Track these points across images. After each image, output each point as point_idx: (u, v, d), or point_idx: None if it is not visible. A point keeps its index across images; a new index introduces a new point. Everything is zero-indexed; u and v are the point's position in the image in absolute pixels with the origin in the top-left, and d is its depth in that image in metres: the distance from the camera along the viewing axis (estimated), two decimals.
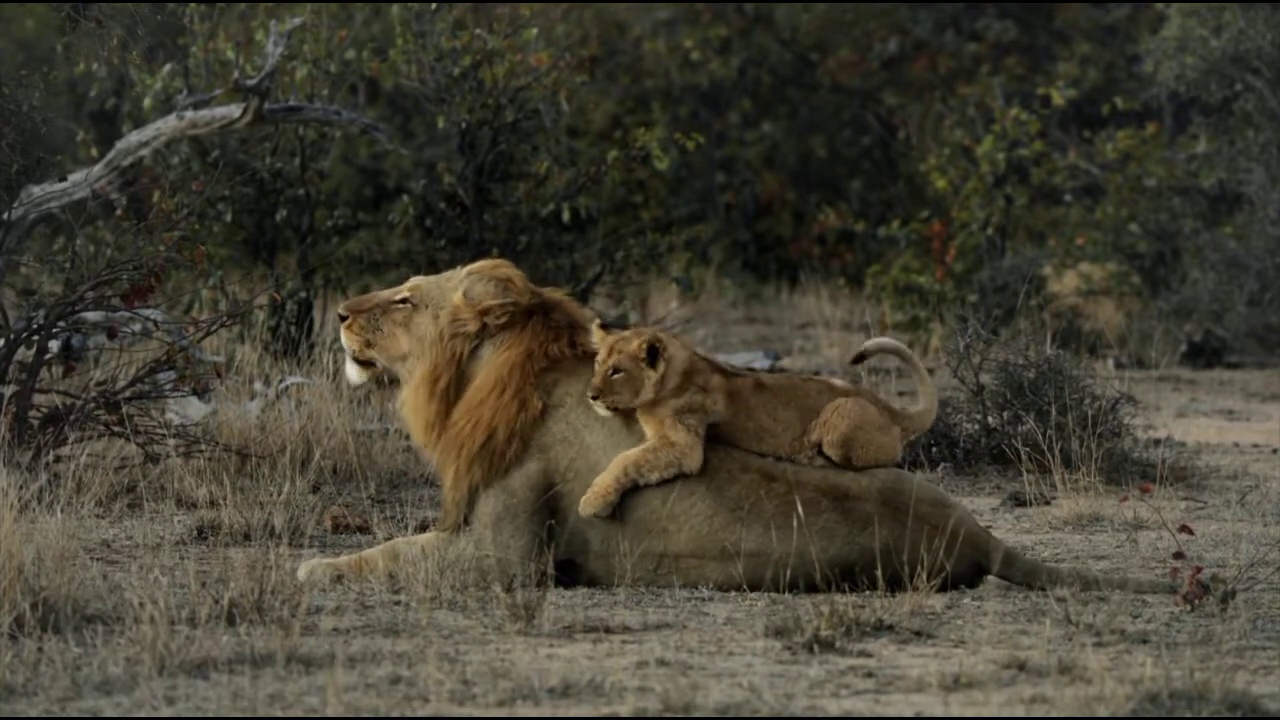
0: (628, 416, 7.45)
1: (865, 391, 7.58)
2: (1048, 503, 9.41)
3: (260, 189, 13.41)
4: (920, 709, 5.72)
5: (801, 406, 7.47)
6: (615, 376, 7.36)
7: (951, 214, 16.51)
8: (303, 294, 13.21)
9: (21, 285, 12.09)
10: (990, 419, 10.44)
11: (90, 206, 10.86)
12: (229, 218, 13.40)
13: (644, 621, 6.84)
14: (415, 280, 7.74)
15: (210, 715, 5.64)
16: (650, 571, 7.39)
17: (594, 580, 7.42)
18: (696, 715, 5.61)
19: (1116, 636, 6.60)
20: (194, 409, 10.12)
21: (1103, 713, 5.63)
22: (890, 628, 6.64)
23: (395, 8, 13.51)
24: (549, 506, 7.41)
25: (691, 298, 15.93)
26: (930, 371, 10.43)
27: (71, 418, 9.09)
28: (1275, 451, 11.62)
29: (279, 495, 8.94)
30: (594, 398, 7.36)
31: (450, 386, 7.56)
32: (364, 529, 8.66)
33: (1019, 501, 9.53)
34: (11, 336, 9.23)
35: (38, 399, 9.33)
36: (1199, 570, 7.07)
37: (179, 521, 8.72)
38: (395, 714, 5.63)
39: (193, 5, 13.10)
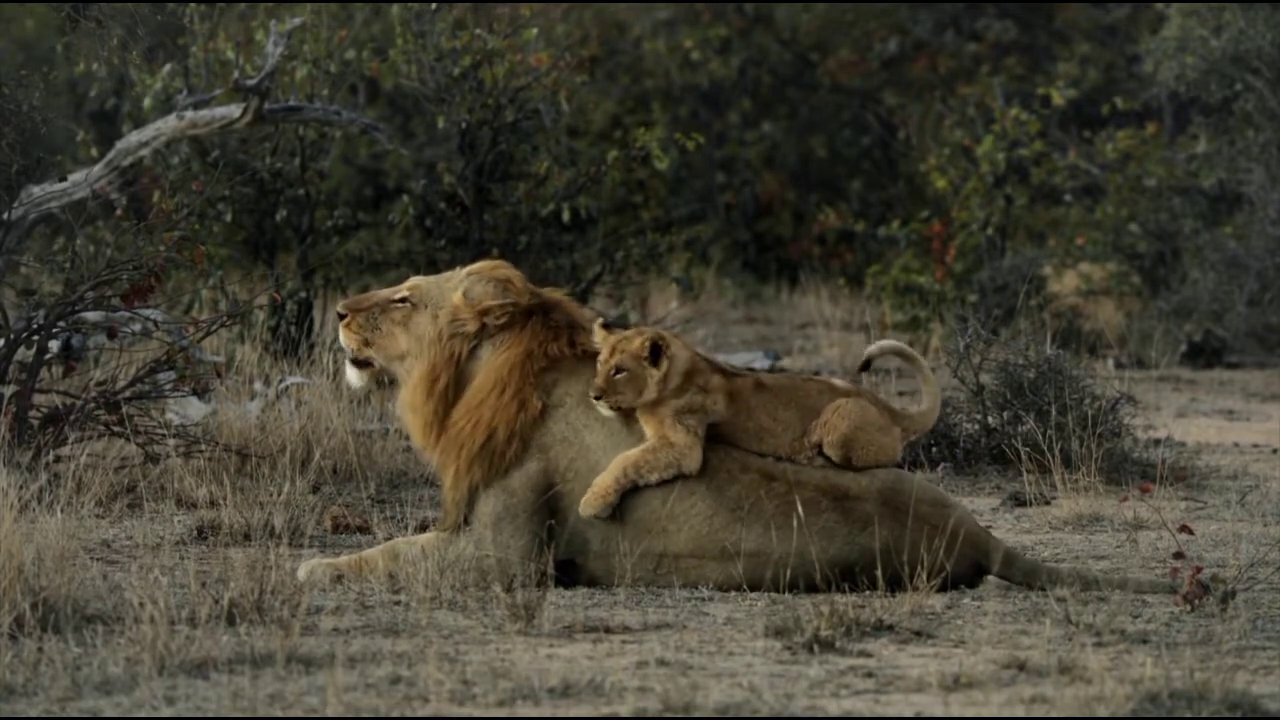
0: (628, 416, 7.45)
1: (866, 392, 7.59)
2: (1048, 503, 9.41)
3: (260, 189, 13.41)
4: (920, 709, 5.72)
5: (802, 407, 7.47)
6: (618, 376, 7.36)
7: (951, 214, 16.51)
8: (303, 294, 13.21)
9: (21, 285, 12.10)
10: (990, 419, 10.44)
11: (90, 206, 10.86)
12: (229, 218, 13.40)
13: (644, 621, 6.84)
14: (415, 280, 7.74)
15: (210, 715, 5.64)
16: (650, 571, 7.39)
17: (594, 580, 7.42)
18: (696, 715, 5.61)
19: (1116, 636, 6.60)
20: (194, 409, 10.12)
21: (1103, 713, 5.63)
22: (890, 628, 6.64)
23: (395, 8, 13.51)
24: (549, 506, 7.41)
25: (691, 298, 15.93)
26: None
27: (71, 418, 9.09)
28: (1275, 451, 11.62)
29: (279, 495, 8.94)
30: (597, 398, 7.36)
31: (449, 386, 7.56)
32: (364, 529, 8.66)
33: (1019, 501, 9.53)
34: (11, 336, 9.23)
35: (38, 399, 9.33)
36: (1199, 570, 7.07)
37: (179, 521, 8.72)
38: (395, 714, 5.63)
39: (193, 5, 13.10)
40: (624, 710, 5.65)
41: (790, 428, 7.46)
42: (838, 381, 7.63)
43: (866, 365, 7.77)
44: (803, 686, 5.96)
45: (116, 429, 9.25)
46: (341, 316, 7.72)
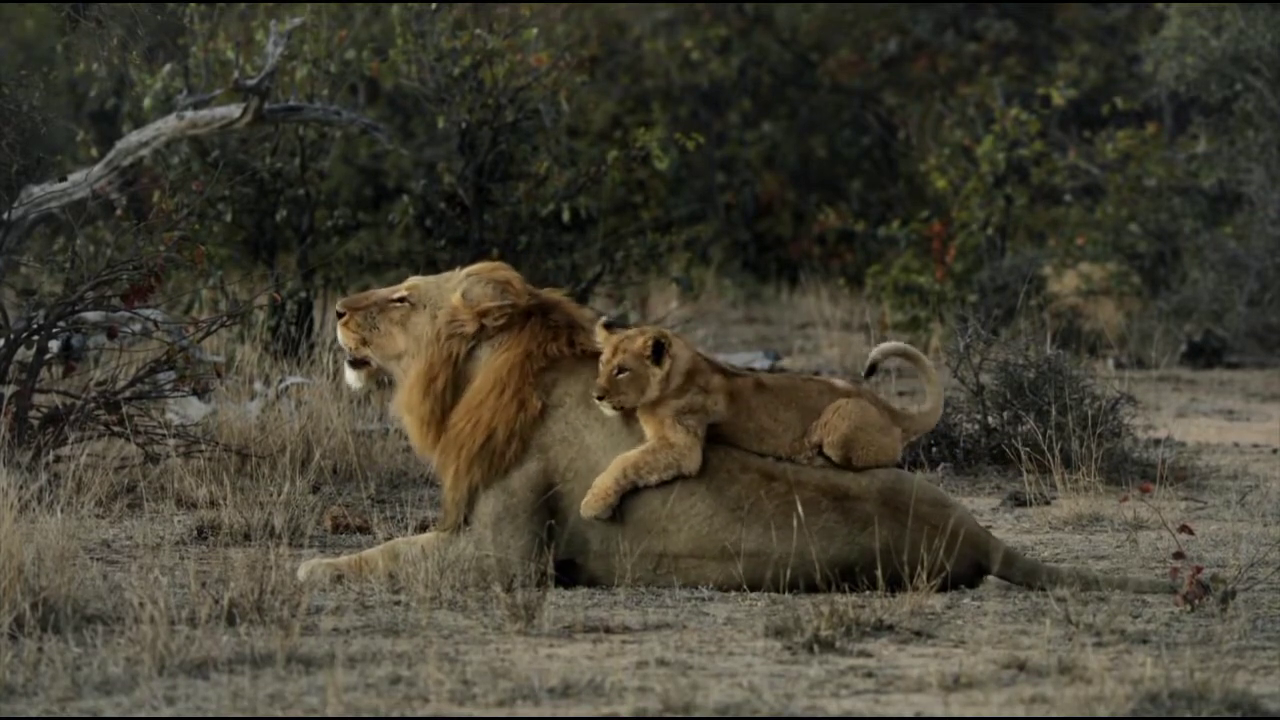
0: (628, 416, 7.44)
1: (866, 392, 7.59)
2: (1048, 503, 9.41)
3: (260, 189, 13.41)
4: (920, 709, 5.72)
5: (802, 407, 7.47)
6: (620, 376, 7.36)
7: (951, 214, 16.51)
8: (303, 294, 13.21)
9: (21, 285, 12.09)
10: (990, 419, 10.44)
11: (90, 206, 10.86)
12: (229, 218, 13.40)
13: (644, 621, 6.84)
14: (414, 280, 7.74)
15: (210, 715, 5.64)
16: (650, 571, 7.39)
17: (594, 580, 7.42)
18: (696, 715, 5.61)
19: (1116, 636, 6.60)
20: (194, 409, 10.12)
21: (1103, 713, 5.63)
22: (890, 628, 6.64)
23: (395, 8, 13.51)
24: (549, 506, 7.41)
25: (691, 298, 15.93)
26: None
27: (71, 418, 9.09)
28: (1275, 451, 11.62)
29: (279, 495, 8.94)
30: (600, 398, 7.35)
31: (446, 387, 7.56)
32: (364, 529, 8.66)
33: (1019, 501, 9.53)
34: (11, 336, 9.23)
35: (38, 399, 9.33)
36: (1199, 570, 7.07)
37: (179, 521, 8.72)
38: (395, 714, 5.63)
39: (193, 5, 13.10)
40: (624, 710, 5.65)
41: (791, 428, 7.46)
42: (838, 382, 7.63)
43: (872, 370, 7.76)
44: (803, 686, 5.96)
45: (116, 429, 9.25)
46: (340, 315, 7.72)
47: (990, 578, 7.44)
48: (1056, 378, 10.20)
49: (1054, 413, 9.93)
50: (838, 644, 6.42)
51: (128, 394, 9.31)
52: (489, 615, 6.88)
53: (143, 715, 5.64)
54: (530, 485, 7.42)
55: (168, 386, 9.42)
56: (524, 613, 6.69)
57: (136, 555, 7.90)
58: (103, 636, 6.42)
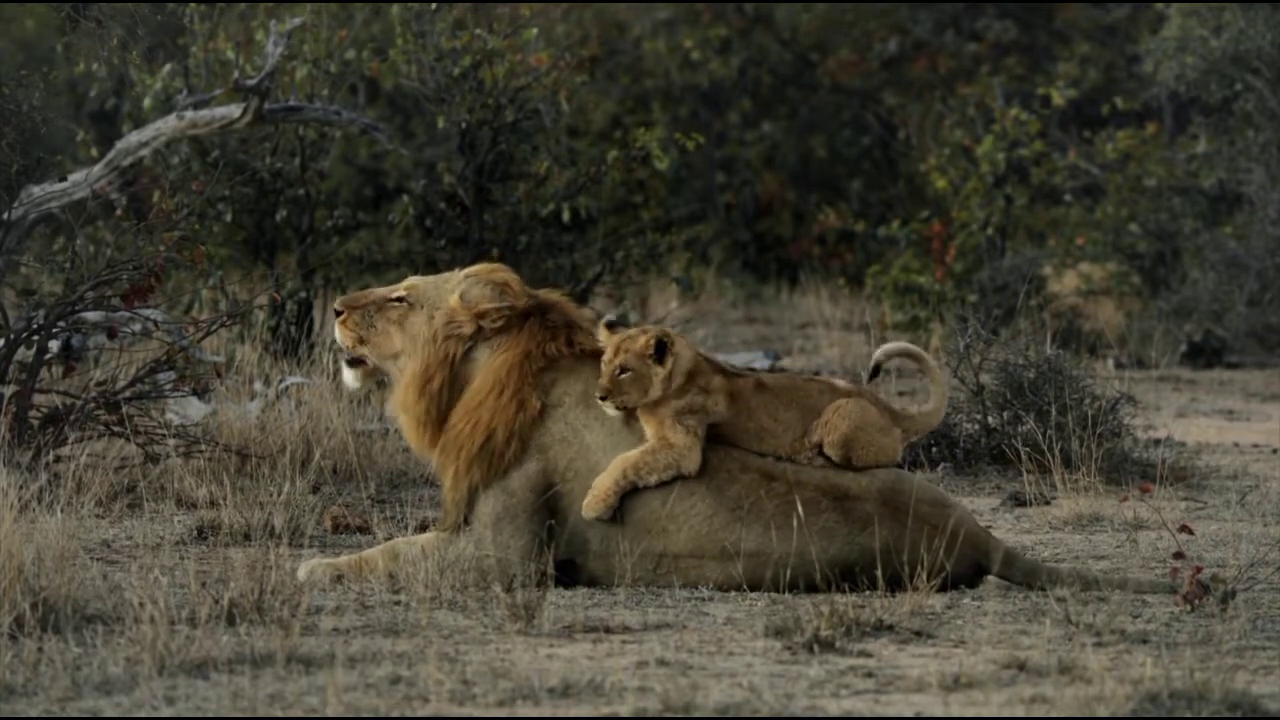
0: (628, 415, 7.44)
1: (867, 392, 7.59)
2: (1048, 503, 9.41)
3: (260, 189, 13.41)
4: (920, 709, 5.72)
5: (803, 407, 7.47)
6: (623, 376, 7.35)
7: (951, 214, 16.51)
8: (303, 294, 13.21)
9: (21, 285, 12.09)
10: (990, 419, 10.44)
11: (90, 206, 10.86)
12: (229, 218, 13.40)
13: (644, 621, 6.84)
14: (412, 280, 7.75)
15: (210, 715, 5.63)
16: (650, 571, 7.39)
17: (594, 580, 7.42)
18: (696, 715, 5.61)
19: (1116, 636, 6.60)
20: (194, 409, 10.12)
21: (1103, 713, 5.63)
22: (890, 628, 6.64)
23: (395, 8, 13.51)
24: (549, 506, 7.41)
25: (691, 298, 15.93)
26: None
27: (71, 418, 9.09)
28: (1275, 451, 11.62)
29: (279, 495, 8.94)
30: (602, 398, 7.35)
31: (442, 387, 7.56)
32: (364, 529, 8.66)
33: (1019, 501, 9.53)
34: (11, 336, 9.22)
35: (38, 399, 9.33)
36: (1199, 570, 7.07)
37: (179, 521, 8.72)
38: (395, 714, 5.63)
39: (193, 5, 13.10)
40: (624, 710, 5.65)
41: (791, 428, 7.46)
42: (839, 382, 7.63)
43: (876, 372, 7.76)
44: (803, 686, 5.96)
45: (116, 429, 9.25)
46: (338, 313, 7.73)
47: (990, 578, 7.44)
48: (1056, 378, 10.20)
49: (1054, 413, 9.93)
50: (838, 644, 6.42)
51: (128, 394, 9.31)
52: (489, 615, 6.88)
53: (143, 715, 5.64)
54: (530, 485, 7.42)
55: (168, 386, 9.42)
56: (524, 613, 6.69)
57: (136, 555, 7.90)
58: (103, 636, 6.42)
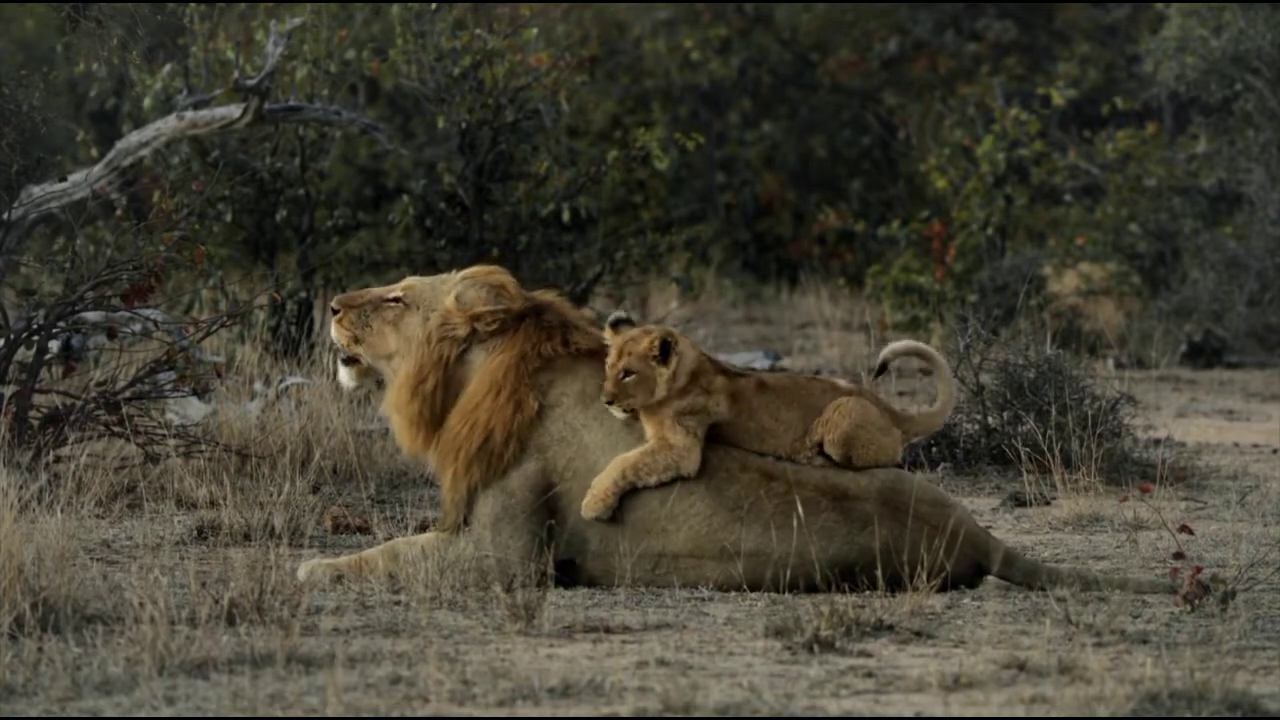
0: (634, 417, 7.44)
1: (867, 392, 7.59)
2: (1048, 503, 9.41)
3: (260, 189, 13.41)
4: (920, 709, 5.72)
5: (804, 406, 7.47)
6: (627, 379, 7.34)
7: (951, 214, 16.51)
8: (303, 294, 13.21)
9: (21, 285, 12.09)
10: (990, 419, 10.44)
11: (90, 206, 10.86)
12: (229, 218, 13.40)
13: (644, 621, 6.84)
14: (409, 280, 7.75)
15: (210, 715, 5.64)
16: (649, 571, 7.39)
17: (594, 580, 7.42)
18: (696, 715, 5.61)
19: (1116, 636, 6.60)
20: (194, 409, 10.12)
21: (1103, 713, 5.63)
22: (890, 628, 6.64)
23: (395, 8, 13.51)
24: (548, 506, 7.41)
25: (691, 298, 15.93)
26: None
27: (71, 418, 9.09)
28: (1275, 451, 11.62)
29: (279, 495, 8.94)
30: (609, 402, 7.34)
31: (436, 389, 7.55)
32: (364, 529, 8.66)
33: (1019, 501, 9.53)
34: (11, 336, 9.23)
35: (38, 399, 9.33)
36: (1199, 570, 7.07)
37: (179, 521, 8.72)
38: (395, 714, 5.63)
39: (193, 5, 13.10)
40: (624, 710, 5.65)
41: (792, 428, 7.46)
42: (840, 381, 7.63)
43: (882, 369, 7.76)
44: (803, 686, 5.96)
45: (116, 429, 9.25)
46: (334, 312, 7.73)
47: (990, 578, 7.44)
48: (1056, 378, 10.20)
49: (1054, 413, 9.93)
50: (838, 644, 6.42)
51: (128, 394, 9.31)
52: (489, 615, 6.88)
53: (143, 715, 5.64)
54: (529, 485, 7.42)
55: (168, 386, 9.42)
56: (524, 613, 6.69)
57: (136, 555, 7.90)
58: (103, 636, 6.42)
